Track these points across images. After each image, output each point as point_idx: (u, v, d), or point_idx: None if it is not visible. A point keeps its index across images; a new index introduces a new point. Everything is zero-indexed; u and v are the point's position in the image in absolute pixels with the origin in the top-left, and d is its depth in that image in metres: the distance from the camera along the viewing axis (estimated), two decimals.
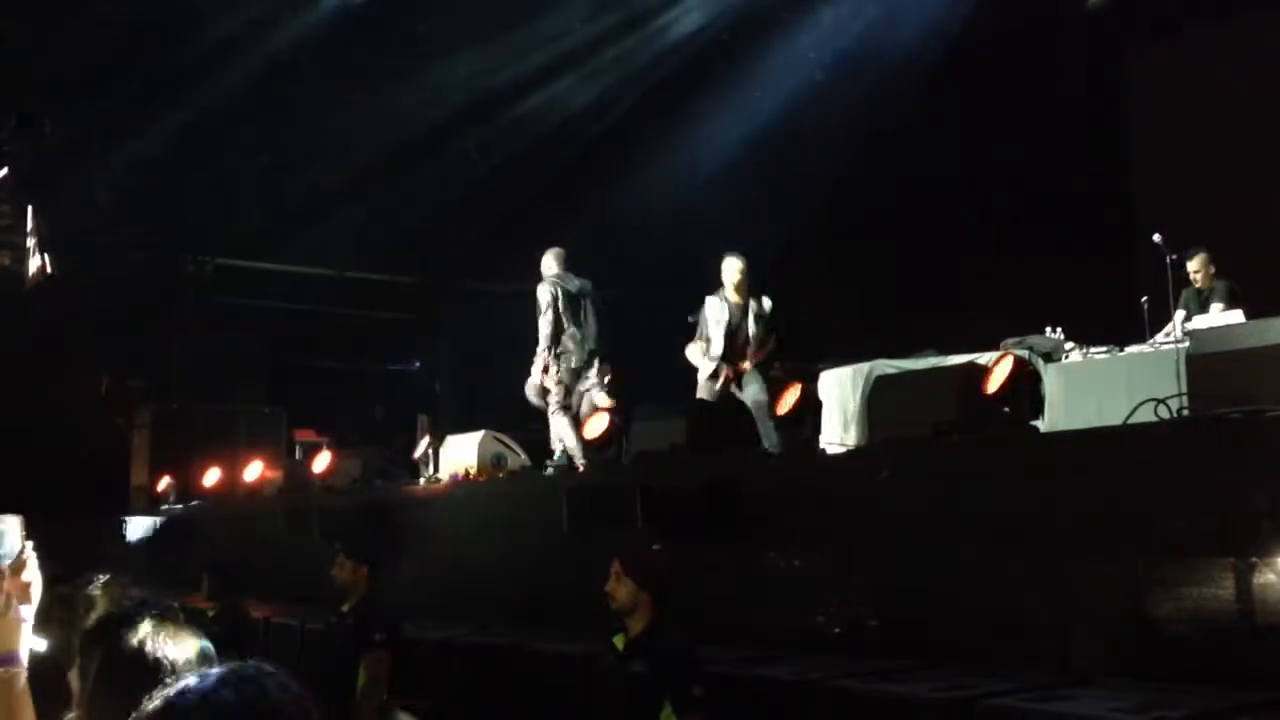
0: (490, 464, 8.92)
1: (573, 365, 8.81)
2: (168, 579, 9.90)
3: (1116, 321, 8.39)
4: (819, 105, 12.77)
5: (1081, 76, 11.07)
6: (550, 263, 9.14)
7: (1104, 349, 7.95)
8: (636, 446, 7.40)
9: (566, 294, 8.89)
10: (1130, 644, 4.33)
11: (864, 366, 8.30)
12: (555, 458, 8.65)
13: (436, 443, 9.86)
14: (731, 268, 8.72)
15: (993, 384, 5.54)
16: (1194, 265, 8.60)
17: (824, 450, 7.20)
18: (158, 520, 12.37)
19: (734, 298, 8.67)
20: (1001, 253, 10.85)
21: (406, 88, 13.13)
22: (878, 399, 6.49)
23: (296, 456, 13.70)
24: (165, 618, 2.27)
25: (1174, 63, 11.21)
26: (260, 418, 14.12)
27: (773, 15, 12.83)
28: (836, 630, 5.47)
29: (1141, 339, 7.90)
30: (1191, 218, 9.61)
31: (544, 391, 8.81)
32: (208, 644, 2.24)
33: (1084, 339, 8.19)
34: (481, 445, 9.07)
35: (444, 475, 9.18)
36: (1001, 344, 7.97)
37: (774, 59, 13.06)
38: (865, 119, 12.08)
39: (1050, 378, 7.54)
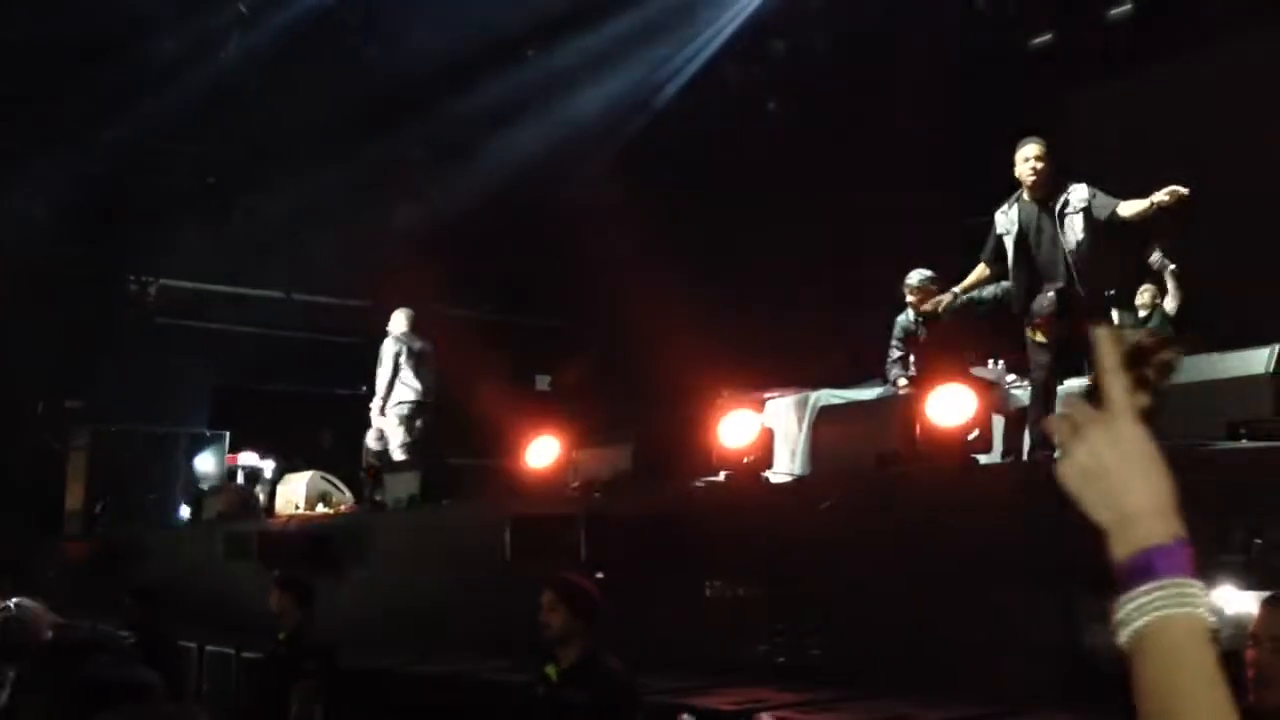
0: (316, 501, 9.78)
1: (405, 414, 10.23)
2: (99, 604, 9.70)
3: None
4: (770, 138, 12.91)
5: (1023, 114, 11.25)
6: (400, 321, 10.51)
7: None
8: (583, 474, 7.38)
9: (410, 351, 10.30)
10: (1064, 674, 4.37)
11: (809, 396, 8.36)
12: None
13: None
14: (1026, 153, 6.28)
15: (946, 416, 5.56)
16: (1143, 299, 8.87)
17: (768, 479, 7.22)
18: (92, 544, 12.13)
19: (1028, 197, 6.28)
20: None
21: (355, 108, 13.08)
22: (822, 428, 6.53)
23: (238, 480, 13.53)
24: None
25: (1115, 102, 11.44)
26: (201, 441, 13.93)
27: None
28: (780, 659, 5.47)
29: (1081, 372, 8.00)
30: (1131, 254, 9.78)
31: (380, 437, 10.26)
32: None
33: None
34: (310, 484, 9.89)
35: (279, 512, 9.89)
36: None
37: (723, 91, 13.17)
38: (805, 148, 12.23)
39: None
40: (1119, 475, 1.15)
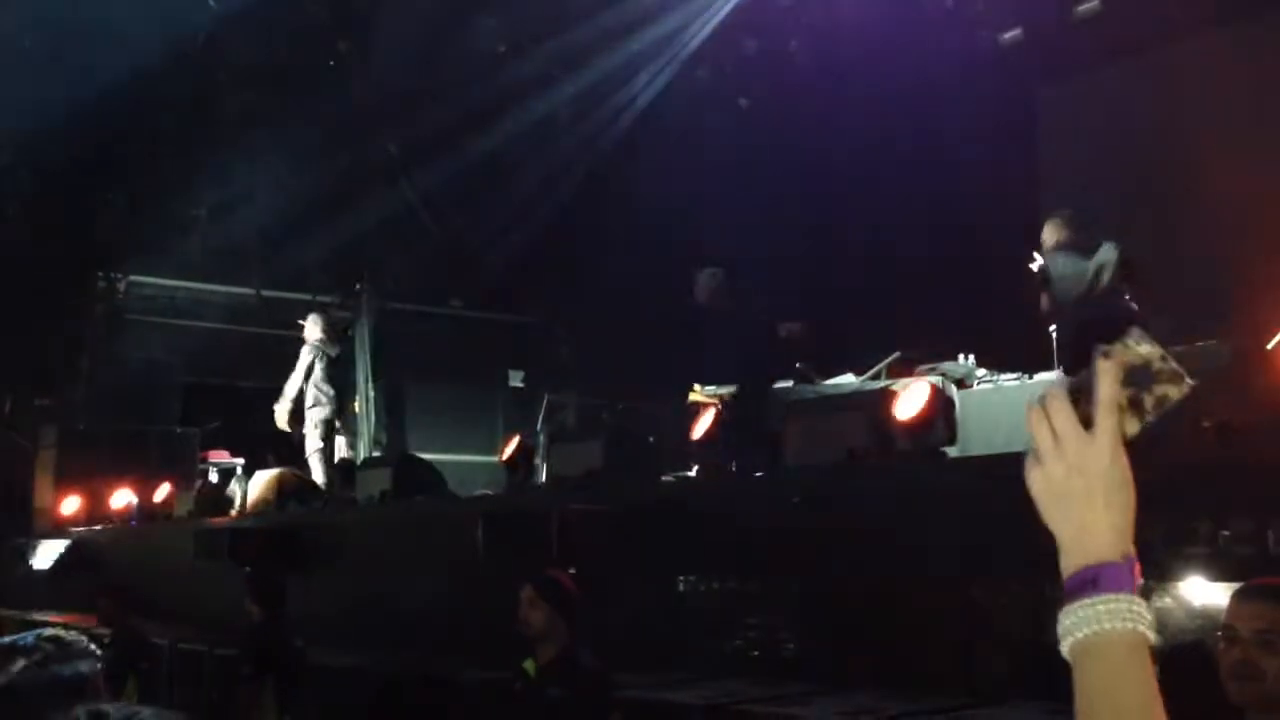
0: (287, 498, 9.89)
1: (325, 417, 10.59)
2: (70, 603, 9.64)
3: (1026, 349, 8.58)
4: (748, 136, 12.93)
5: (993, 108, 11.33)
6: (313, 328, 10.89)
7: (1014, 376, 8.12)
8: (554, 470, 7.39)
9: (327, 358, 10.76)
10: (1035, 666, 4.41)
11: (779, 389, 8.40)
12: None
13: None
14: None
15: (907, 410, 5.62)
16: None
17: (739, 473, 7.24)
18: (62, 543, 12.04)
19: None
20: (915, 281, 11.04)
21: (330, 101, 13.02)
22: (793, 422, 6.55)
23: (211, 478, 13.44)
24: (48, 647, 2.20)
25: (1084, 97, 11.53)
26: (172, 438, 13.83)
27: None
28: (754, 654, 5.49)
29: (1050, 366, 8.09)
30: None
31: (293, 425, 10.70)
32: (86, 670, 2.17)
33: (995, 366, 8.36)
34: (280, 481, 10.07)
35: (250, 509, 10.02)
36: (915, 370, 8.11)
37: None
38: (782, 148, 12.27)
39: (961, 404, 7.68)
40: (1086, 498, 1.16)
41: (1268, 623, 2.47)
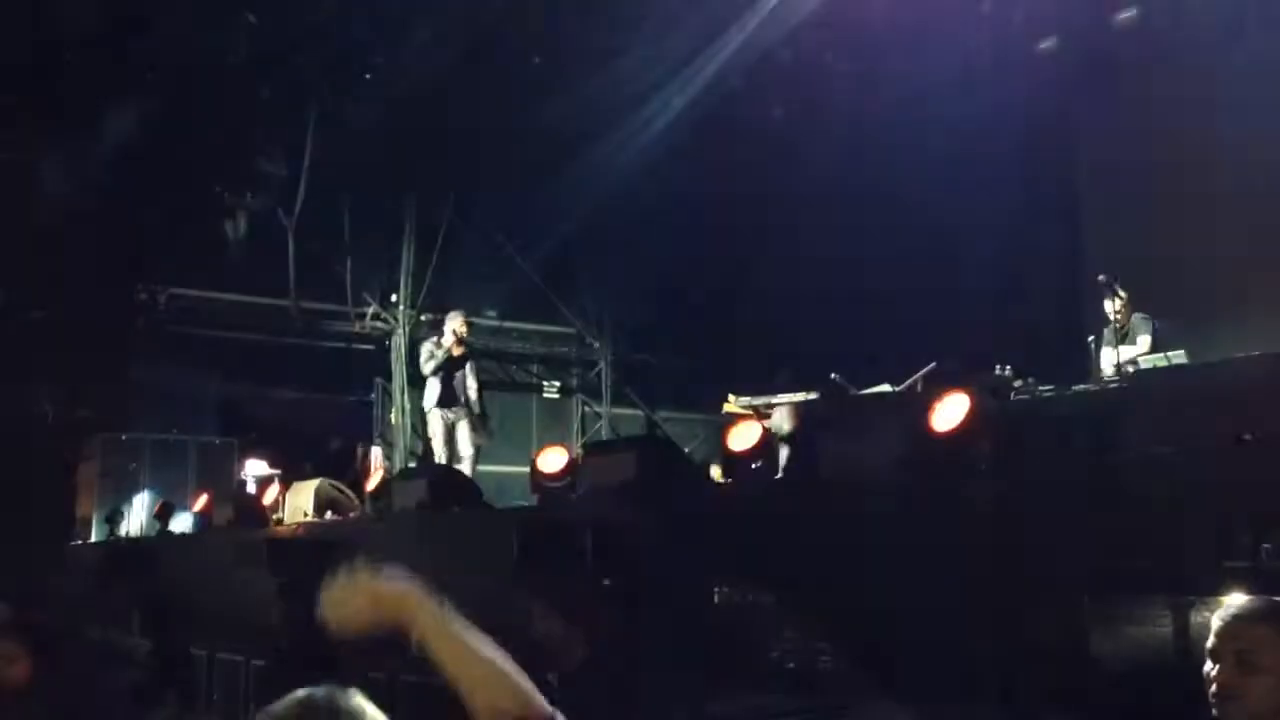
0: (324, 508, 9.92)
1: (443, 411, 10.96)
2: (110, 613, 9.72)
3: (1064, 360, 8.51)
4: (776, 143, 12.92)
5: (1029, 116, 11.27)
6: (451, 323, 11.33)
7: (1050, 387, 8.05)
8: (589, 481, 7.37)
9: (441, 360, 11.03)
10: (1072, 681, 4.37)
11: (814, 398, 8.37)
12: None
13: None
14: None
15: (946, 422, 5.52)
16: (1115, 305, 8.76)
17: (776, 484, 7.21)
18: (102, 552, 12.17)
19: None
20: (950, 291, 10.98)
21: (362, 114, 13.14)
22: (828, 430, 6.52)
23: (248, 489, 13.56)
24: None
25: (1120, 102, 11.44)
26: (211, 448, 13.98)
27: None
28: (790, 666, 5.47)
29: (1085, 379, 8.02)
30: (1136, 257, 9.79)
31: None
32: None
33: (1032, 377, 8.28)
34: (318, 492, 10.06)
35: (287, 519, 10.03)
36: (951, 381, 8.03)
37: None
38: (814, 158, 12.26)
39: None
40: None
41: (1246, 642, 2.51)
